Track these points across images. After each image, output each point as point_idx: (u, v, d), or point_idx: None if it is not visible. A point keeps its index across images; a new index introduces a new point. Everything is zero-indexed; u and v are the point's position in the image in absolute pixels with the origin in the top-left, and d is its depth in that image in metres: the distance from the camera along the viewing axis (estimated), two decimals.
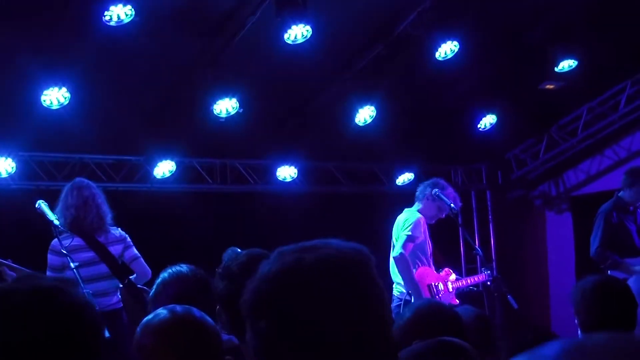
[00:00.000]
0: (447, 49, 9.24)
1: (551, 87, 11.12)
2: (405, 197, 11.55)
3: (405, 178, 11.94)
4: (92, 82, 8.51)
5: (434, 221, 8.35)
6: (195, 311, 2.73)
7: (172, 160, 10.23)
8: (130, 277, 6.54)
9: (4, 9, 7.50)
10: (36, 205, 6.29)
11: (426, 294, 7.83)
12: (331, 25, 8.60)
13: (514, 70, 10.25)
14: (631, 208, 8.48)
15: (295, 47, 8.42)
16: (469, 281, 8.56)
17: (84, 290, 5.71)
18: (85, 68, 8.23)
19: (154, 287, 3.91)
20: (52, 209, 6.35)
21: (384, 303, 1.78)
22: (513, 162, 12.81)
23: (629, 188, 8.44)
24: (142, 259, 6.66)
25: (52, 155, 9.88)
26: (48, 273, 6.26)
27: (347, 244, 1.75)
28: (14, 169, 9.36)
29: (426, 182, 8.35)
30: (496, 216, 12.89)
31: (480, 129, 11.47)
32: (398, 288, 7.94)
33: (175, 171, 10.32)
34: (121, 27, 7.59)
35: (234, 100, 9.23)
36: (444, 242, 11.30)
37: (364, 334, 1.66)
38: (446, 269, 8.35)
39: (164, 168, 10.23)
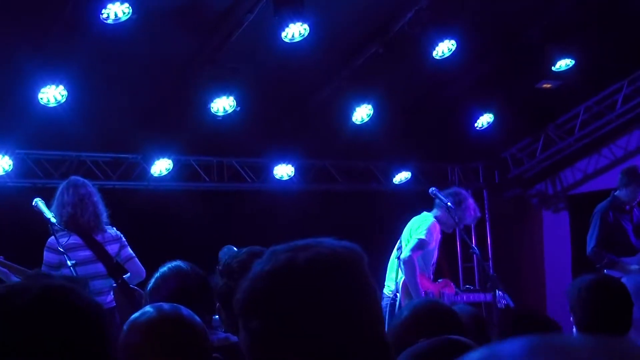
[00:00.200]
0: (444, 48, 9.25)
1: (548, 86, 11.13)
2: (402, 196, 11.61)
3: (402, 177, 11.94)
4: (90, 80, 8.50)
5: (450, 230, 8.30)
6: (183, 309, 2.72)
7: (169, 158, 10.23)
8: (124, 276, 6.54)
9: (1, 6, 7.50)
10: (33, 203, 6.29)
11: None
12: (328, 23, 8.60)
13: (511, 69, 10.26)
14: (627, 207, 8.50)
15: (293, 46, 8.42)
16: (470, 297, 8.52)
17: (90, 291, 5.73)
18: (82, 66, 8.23)
19: (152, 281, 3.90)
20: (49, 207, 6.35)
21: (376, 302, 1.78)
22: (510, 161, 12.82)
23: (626, 187, 8.45)
24: (136, 259, 6.66)
25: (49, 153, 9.87)
26: (43, 270, 6.25)
27: (340, 242, 1.75)
28: (11, 166, 9.35)
29: (447, 191, 8.28)
30: (493, 215, 12.89)
31: (477, 128, 11.48)
32: (389, 287, 7.94)
33: (172, 169, 10.33)
34: (119, 25, 7.59)
35: (231, 98, 9.24)
36: (441, 241, 11.33)
37: (356, 333, 1.66)
38: (445, 279, 8.32)
39: (161, 166, 10.23)
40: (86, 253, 6.42)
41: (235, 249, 9.19)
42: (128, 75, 8.74)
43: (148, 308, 2.73)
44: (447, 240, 11.82)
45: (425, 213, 8.13)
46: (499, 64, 10.13)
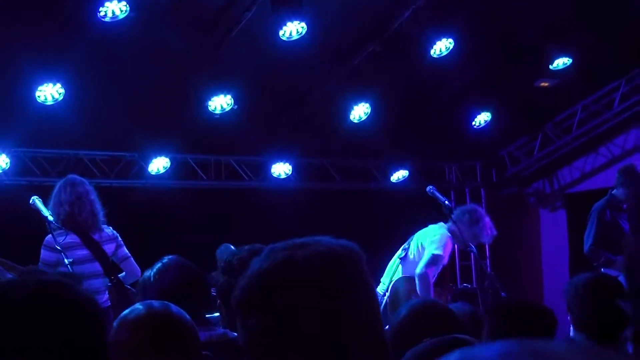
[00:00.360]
0: (442, 46, 9.25)
1: (546, 84, 11.13)
2: (400, 194, 11.61)
3: (399, 175, 11.95)
4: (87, 78, 8.50)
5: (462, 246, 8.25)
6: (173, 307, 2.72)
7: (166, 156, 10.24)
8: (119, 275, 6.54)
9: None
10: (30, 201, 6.29)
11: None
12: (326, 22, 8.60)
13: (509, 67, 10.27)
14: (625, 206, 8.49)
15: (290, 44, 8.42)
16: None
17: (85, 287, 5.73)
18: (80, 64, 8.22)
19: (145, 277, 3.89)
20: (46, 205, 6.34)
21: (375, 301, 1.78)
22: (507, 160, 12.82)
23: (623, 186, 8.45)
24: (132, 259, 6.65)
25: (46, 151, 9.86)
26: (40, 268, 6.24)
27: (338, 241, 1.75)
28: (8, 164, 9.35)
29: (463, 208, 8.23)
30: (490, 213, 12.82)
31: (475, 127, 11.48)
32: (384, 285, 7.94)
33: (169, 167, 10.33)
34: (116, 23, 7.59)
35: (229, 96, 9.23)
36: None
37: (354, 331, 1.66)
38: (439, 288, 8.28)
39: (159, 164, 10.24)
40: (83, 252, 6.41)
41: (232, 247, 9.19)
42: (125, 73, 8.73)
43: (138, 305, 2.73)
44: None
45: (442, 224, 8.04)
46: (497, 63, 10.13)
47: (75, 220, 6.47)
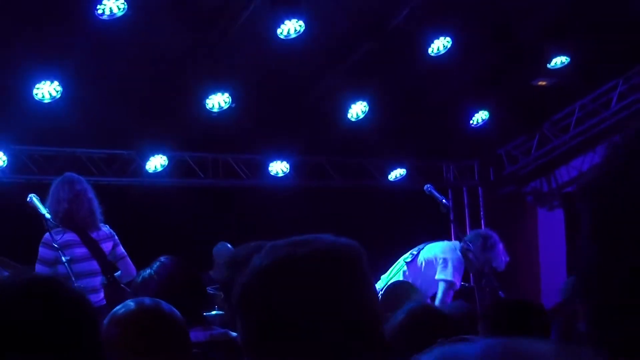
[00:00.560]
0: (439, 45, 9.25)
1: (543, 83, 11.12)
2: (397, 193, 11.61)
3: (397, 173, 11.94)
4: (85, 76, 8.50)
5: (471, 269, 8.21)
6: (164, 304, 2.72)
7: (164, 154, 10.23)
8: (115, 274, 6.54)
9: None
10: (28, 199, 6.28)
11: None
12: (324, 20, 8.59)
13: (507, 66, 10.26)
14: None
15: (288, 42, 8.42)
16: None
17: (76, 285, 5.72)
18: (77, 62, 8.22)
19: (141, 276, 3.89)
20: (43, 203, 6.33)
21: (375, 299, 1.78)
22: (505, 159, 12.81)
23: None
24: (128, 258, 6.65)
25: (43, 148, 9.85)
26: (38, 266, 6.23)
27: (339, 239, 1.75)
28: (5, 162, 9.34)
29: (479, 232, 8.20)
30: (488, 212, 12.89)
31: (473, 125, 11.48)
32: (381, 283, 7.93)
33: (167, 165, 10.32)
34: (114, 21, 7.58)
35: (226, 94, 9.23)
36: (436, 238, 11.33)
37: (354, 329, 1.66)
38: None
39: (156, 162, 10.23)
40: (82, 250, 6.41)
41: (229, 245, 9.18)
42: (123, 71, 8.73)
43: (129, 302, 2.73)
44: (442, 238, 11.85)
45: (456, 244, 8.00)
46: (494, 61, 10.13)
47: (74, 218, 6.47)
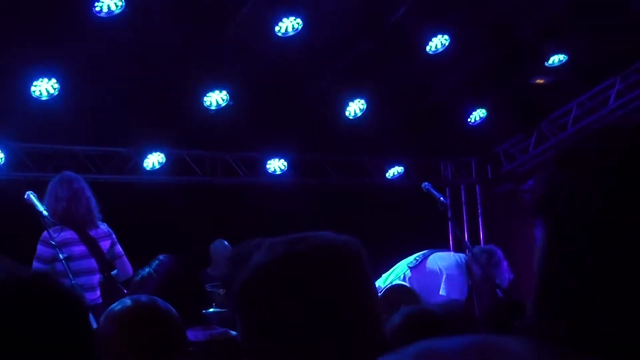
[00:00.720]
0: (437, 43, 9.25)
1: (541, 81, 11.12)
2: (395, 191, 11.61)
3: (394, 171, 11.95)
4: (82, 73, 8.49)
5: (474, 285, 8.16)
6: (160, 302, 2.71)
7: (161, 152, 10.22)
8: (111, 273, 6.54)
9: None
10: (25, 196, 6.27)
11: None
12: (322, 18, 8.59)
13: (504, 64, 10.26)
14: None
15: (286, 40, 8.41)
16: None
17: (73, 283, 5.72)
18: (75, 59, 8.21)
19: (140, 274, 3.89)
20: (41, 200, 6.33)
21: (374, 297, 1.78)
22: (502, 156, 12.82)
23: None
24: (125, 257, 6.65)
25: (41, 146, 9.85)
26: (35, 263, 6.23)
27: (339, 236, 1.75)
28: (3, 159, 9.34)
29: (484, 248, 8.16)
30: (485, 210, 12.90)
31: (470, 123, 11.48)
32: (380, 282, 7.92)
33: (165, 163, 10.32)
34: (111, 18, 7.58)
35: (224, 92, 9.22)
36: (434, 236, 11.33)
37: (355, 326, 1.65)
38: None
39: (154, 160, 10.22)
40: (80, 248, 6.40)
41: (226, 243, 9.19)
42: (121, 68, 8.72)
43: (125, 299, 2.73)
44: (440, 236, 11.85)
45: (462, 258, 7.95)
46: (492, 59, 10.12)
47: (73, 216, 6.46)
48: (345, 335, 1.64)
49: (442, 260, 7.92)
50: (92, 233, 6.54)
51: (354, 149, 11.57)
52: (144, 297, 2.75)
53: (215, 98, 9.29)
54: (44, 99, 8.39)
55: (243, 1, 8.17)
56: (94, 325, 4.79)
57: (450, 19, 9.09)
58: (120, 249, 6.65)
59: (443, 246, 11.96)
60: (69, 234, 6.38)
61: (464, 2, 9.12)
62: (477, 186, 12.99)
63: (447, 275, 7.78)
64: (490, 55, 10.06)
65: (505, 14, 9.46)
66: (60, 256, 5.94)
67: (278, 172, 11.13)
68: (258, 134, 10.57)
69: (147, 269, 3.89)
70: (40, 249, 6.30)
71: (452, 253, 8.12)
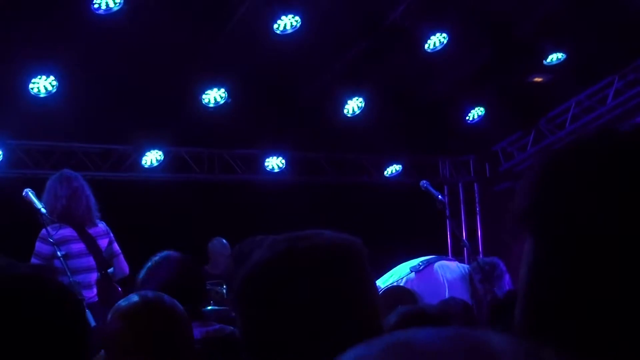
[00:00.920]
0: (435, 41, 9.25)
1: (539, 79, 11.13)
2: (393, 189, 11.61)
3: (392, 169, 11.95)
4: (80, 71, 8.49)
5: (474, 296, 8.13)
6: (166, 298, 2.73)
7: (160, 149, 10.22)
8: (108, 270, 6.54)
9: None
10: (23, 194, 6.26)
11: None
12: (320, 16, 8.59)
13: (503, 62, 10.26)
14: None
15: (284, 38, 8.41)
16: None
17: (72, 280, 5.72)
18: (73, 56, 8.21)
19: (144, 271, 3.90)
20: (39, 197, 6.32)
21: (374, 296, 1.78)
22: (501, 155, 12.83)
23: None
24: (122, 256, 6.65)
25: (39, 143, 9.85)
26: (33, 260, 6.22)
27: (341, 234, 1.76)
28: (1, 157, 9.34)
29: (486, 260, 8.13)
30: (484, 208, 12.91)
31: (469, 121, 11.49)
32: (379, 282, 7.90)
33: (163, 160, 10.32)
34: (110, 15, 7.57)
35: (222, 90, 9.22)
36: (432, 234, 11.34)
37: (355, 323, 1.65)
38: None
39: (152, 157, 10.23)
40: (79, 246, 6.40)
41: (224, 241, 9.19)
42: (119, 66, 8.71)
43: (132, 295, 2.74)
44: (438, 235, 11.87)
45: (465, 269, 7.90)
46: (490, 58, 10.13)
47: (72, 214, 6.46)
48: (345, 333, 1.64)
49: (448, 272, 7.85)
50: (91, 231, 6.53)
51: (352, 147, 11.57)
52: (150, 293, 2.77)
53: (214, 96, 9.29)
54: (42, 96, 8.39)
55: None
56: (93, 323, 4.80)
57: (448, 17, 9.09)
58: (118, 248, 6.65)
59: (442, 246, 12.00)
60: (67, 232, 6.38)
61: (463, 1, 9.12)
62: (475, 184, 13.00)
63: (451, 287, 7.73)
64: (489, 53, 10.07)
65: (504, 12, 9.46)
66: (59, 253, 5.93)
67: (276, 169, 11.13)
68: (256, 132, 10.57)
69: (149, 264, 3.90)
70: (38, 246, 6.29)
71: (456, 263, 8.06)
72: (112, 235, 6.67)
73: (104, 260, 6.51)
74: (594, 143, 1.04)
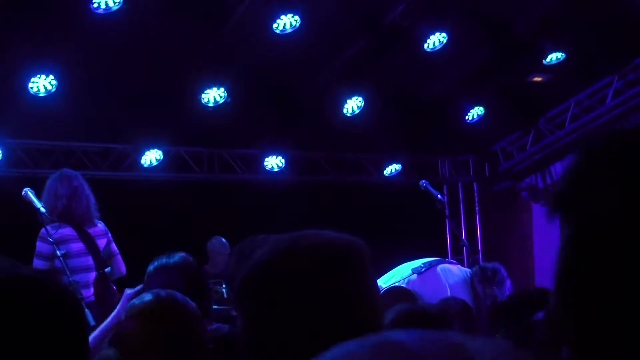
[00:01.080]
0: (435, 40, 9.25)
1: (539, 79, 11.13)
2: (392, 188, 11.61)
3: (392, 169, 11.96)
4: (80, 70, 8.49)
5: (474, 301, 8.10)
6: (179, 295, 2.74)
7: (159, 149, 10.22)
8: (105, 270, 6.55)
9: None
10: (23, 193, 6.26)
11: None
12: (319, 15, 8.59)
13: (502, 62, 10.26)
14: None
15: (284, 37, 8.41)
16: None
17: (71, 279, 5.72)
18: (72, 55, 8.21)
19: (152, 269, 3.92)
20: (38, 197, 6.32)
21: (377, 296, 1.78)
22: (500, 154, 12.83)
23: None
24: (120, 256, 6.66)
25: (38, 142, 9.85)
26: (36, 261, 6.23)
27: (342, 234, 1.76)
28: (0, 155, 9.33)
29: (488, 264, 8.12)
30: (483, 208, 12.91)
31: (468, 121, 11.49)
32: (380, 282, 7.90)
33: (162, 160, 10.32)
34: (109, 15, 7.57)
35: (222, 89, 9.22)
36: (431, 233, 11.35)
37: (355, 323, 1.65)
38: None
39: (151, 156, 10.22)
40: (79, 245, 6.40)
41: (223, 240, 9.19)
42: (118, 65, 8.72)
43: (145, 294, 2.75)
44: (437, 234, 11.87)
45: (467, 273, 7.87)
46: (490, 57, 10.13)
47: (72, 213, 6.46)
48: (345, 333, 1.64)
49: (451, 275, 7.83)
50: (90, 231, 6.53)
51: (351, 146, 11.57)
52: (163, 292, 2.78)
53: (213, 95, 9.29)
54: (41, 95, 8.39)
55: None
56: (92, 322, 4.80)
57: (448, 17, 9.09)
58: (115, 248, 6.66)
59: (441, 245, 12.00)
60: (67, 231, 6.37)
61: (462, 0, 9.13)
62: (474, 184, 13.00)
63: (453, 291, 7.70)
64: (488, 53, 10.07)
65: (503, 11, 9.46)
66: (58, 253, 5.93)
67: (275, 169, 11.13)
68: (256, 131, 10.57)
69: (154, 265, 3.91)
70: (39, 245, 6.29)
71: (458, 267, 8.04)
72: (110, 235, 6.67)
73: (102, 260, 6.52)
74: (632, 145, 1.08)
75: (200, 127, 10.07)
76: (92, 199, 6.63)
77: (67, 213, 6.43)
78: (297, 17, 8.25)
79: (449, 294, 7.40)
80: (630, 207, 1.01)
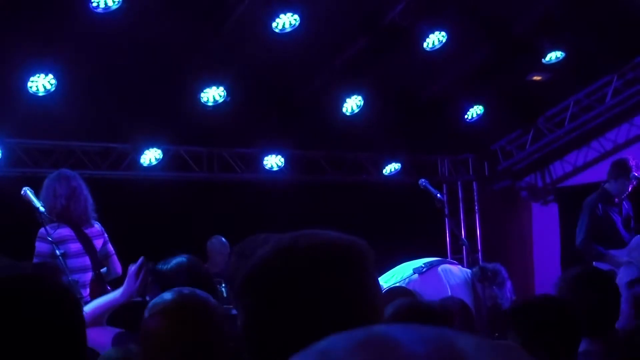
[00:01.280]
0: (434, 39, 9.25)
1: (538, 78, 11.14)
2: (392, 187, 11.61)
3: (391, 168, 11.95)
4: (79, 69, 8.48)
5: (475, 303, 8.06)
6: (200, 292, 2.76)
7: (158, 148, 10.21)
8: (101, 270, 6.56)
9: None
10: (22, 192, 6.26)
11: None
12: (319, 14, 8.59)
13: (501, 61, 10.27)
14: (616, 200, 8.50)
15: (283, 36, 8.41)
16: None
17: (71, 279, 5.73)
18: (72, 55, 8.20)
19: (166, 268, 3.94)
20: (37, 196, 6.32)
21: (378, 296, 1.78)
22: (499, 153, 12.83)
23: (615, 180, 8.46)
24: (116, 257, 6.67)
25: (38, 142, 9.84)
26: (36, 261, 6.23)
27: (343, 234, 1.76)
28: (0, 155, 9.32)
29: (490, 265, 8.11)
30: (482, 207, 12.91)
31: (467, 120, 11.49)
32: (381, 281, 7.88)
33: (162, 159, 10.30)
34: (108, 14, 7.57)
35: (221, 88, 9.22)
36: (431, 232, 11.35)
37: (355, 323, 1.65)
38: None
39: (151, 156, 10.22)
40: (77, 245, 6.40)
41: (223, 239, 9.19)
42: (118, 64, 8.72)
43: (166, 293, 2.76)
44: (437, 233, 11.87)
45: (468, 274, 7.82)
46: (489, 56, 10.14)
47: (70, 214, 6.46)
48: (344, 327, 1.64)
49: (452, 276, 7.81)
50: (87, 231, 6.54)
51: (351, 146, 11.57)
52: (185, 289, 2.79)
53: (213, 94, 9.28)
54: (40, 94, 8.38)
55: None
56: None
57: (447, 16, 9.10)
58: (112, 248, 6.67)
59: (440, 244, 12.01)
60: (65, 231, 6.38)
61: None
62: (474, 183, 13.00)
63: (454, 292, 7.68)
64: (488, 52, 10.08)
65: (503, 11, 9.47)
66: (57, 252, 5.93)
67: (275, 168, 11.12)
68: (255, 130, 10.57)
69: (163, 266, 3.93)
70: (39, 245, 6.30)
71: (459, 268, 8.02)
72: (106, 235, 6.69)
73: (98, 261, 6.53)
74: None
75: (199, 126, 10.07)
76: (90, 200, 6.63)
77: (66, 213, 6.43)
78: (296, 17, 8.25)
79: (449, 294, 7.40)
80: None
